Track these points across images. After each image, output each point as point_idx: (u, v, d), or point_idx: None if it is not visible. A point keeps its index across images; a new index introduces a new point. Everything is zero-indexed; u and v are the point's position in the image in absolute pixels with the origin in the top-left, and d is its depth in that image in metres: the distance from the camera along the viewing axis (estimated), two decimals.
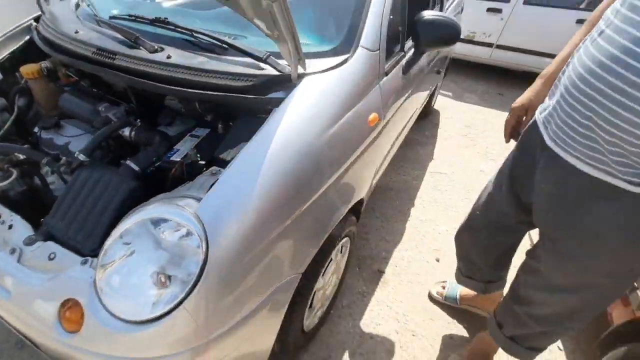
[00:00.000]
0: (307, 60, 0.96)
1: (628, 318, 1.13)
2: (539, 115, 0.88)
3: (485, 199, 1.15)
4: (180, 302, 0.69)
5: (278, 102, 0.87)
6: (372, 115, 1.10)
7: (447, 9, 2.09)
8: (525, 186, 0.94)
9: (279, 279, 0.87)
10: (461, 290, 1.53)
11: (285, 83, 0.90)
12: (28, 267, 0.79)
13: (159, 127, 1.06)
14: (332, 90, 0.94)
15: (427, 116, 3.18)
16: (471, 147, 2.83)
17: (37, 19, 1.29)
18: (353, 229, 1.32)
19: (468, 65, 4.25)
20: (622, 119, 0.63)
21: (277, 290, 0.88)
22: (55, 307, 0.74)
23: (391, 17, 1.27)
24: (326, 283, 1.24)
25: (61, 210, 0.85)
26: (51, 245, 0.81)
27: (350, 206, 1.11)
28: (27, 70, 1.13)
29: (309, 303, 1.12)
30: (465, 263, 1.35)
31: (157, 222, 0.74)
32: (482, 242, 1.22)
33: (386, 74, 1.18)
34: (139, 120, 1.01)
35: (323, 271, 1.12)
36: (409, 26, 1.29)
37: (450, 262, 1.78)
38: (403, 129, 1.80)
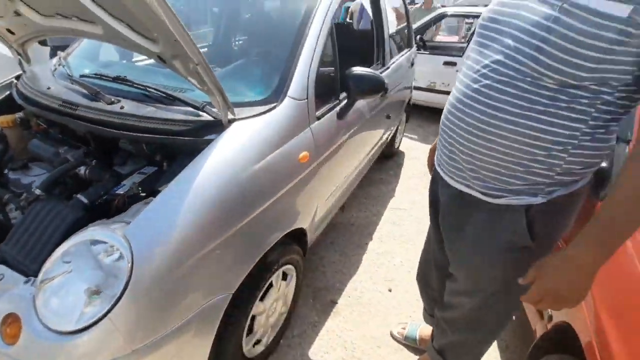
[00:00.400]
0: (241, 108, 1.15)
1: (544, 331, 1.23)
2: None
3: (428, 234, 1.29)
4: (106, 314, 0.80)
5: (211, 142, 1.04)
6: (303, 154, 1.27)
7: (393, 63, 2.37)
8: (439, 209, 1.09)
9: (206, 297, 0.98)
10: (420, 332, 1.57)
11: (218, 127, 1.07)
12: None
13: (114, 167, 1.21)
14: (259, 132, 1.11)
15: (392, 157, 3.40)
16: None
17: (18, 77, 1.48)
18: (297, 258, 1.43)
19: (434, 111, 4.58)
20: (472, 142, 0.81)
21: (206, 309, 0.98)
22: None
23: (331, 74, 1.51)
24: (268, 309, 1.32)
25: (15, 237, 0.97)
26: (1, 268, 0.92)
27: (284, 233, 1.24)
28: (3, 120, 1.30)
29: (247, 327, 1.20)
30: (427, 301, 1.42)
31: (94, 243, 0.87)
32: (435, 278, 1.28)
33: (318, 118, 1.38)
34: (94, 160, 1.16)
35: (260, 295, 1.22)
36: (341, 79, 1.51)
37: (402, 291, 1.88)
38: (355, 168, 1.98)
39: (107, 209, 1.04)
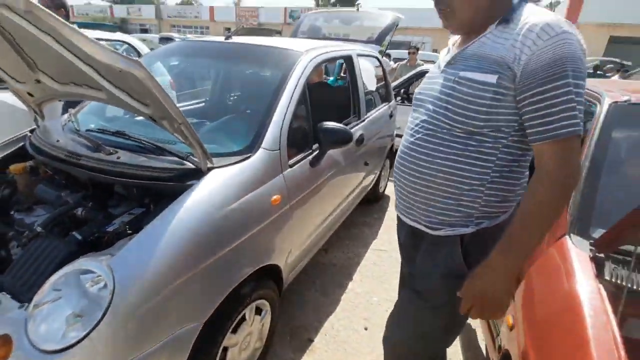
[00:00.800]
0: (220, 158, 1.34)
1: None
2: None
3: (401, 273, 1.41)
4: (86, 336, 0.92)
5: (191, 186, 1.21)
6: (275, 197, 1.44)
7: (370, 116, 2.63)
8: None
9: (178, 325, 1.09)
10: None
11: (199, 174, 1.26)
12: None
13: (108, 208, 1.38)
14: (234, 178, 1.29)
15: (378, 201, 3.57)
16: None
17: (32, 130, 1.70)
18: (271, 293, 1.54)
19: None
20: (415, 183, 1.00)
21: (177, 336, 1.09)
22: None
23: (305, 128, 1.72)
24: (241, 342, 1.41)
25: (14, 269, 1.11)
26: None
27: (256, 268, 1.37)
28: (15, 168, 1.49)
29: (218, 357, 1.28)
30: None
31: (83, 273, 1.01)
32: None
33: (291, 166, 1.57)
34: (91, 203, 1.33)
35: (232, 326, 1.32)
36: (315, 132, 1.73)
37: (378, 330, 1.94)
38: (332, 211, 2.13)
39: (98, 244, 1.19)
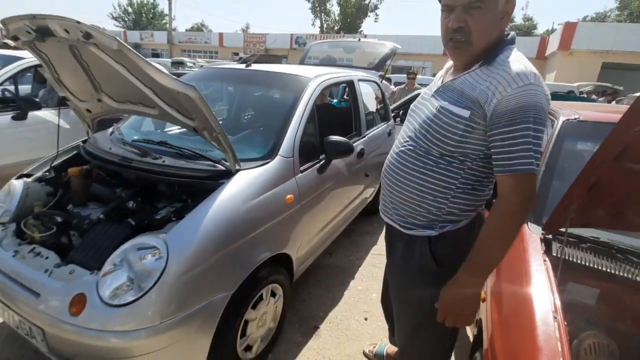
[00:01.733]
0: (243, 162, 1.64)
1: (474, 334, 1.54)
2: None
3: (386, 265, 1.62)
4: (143, 295, 1.19)
5: (222, 184, 1.51)
6: (289, 196, 1.73)
7: (369, 133, 2.95)
8: None
9: (212, 294, 1.36)
10: (388, 349, 1.85)
11: (229, 174, 1.55)
12: (55, 279, 1.30)
13: (153, 202, 1.67)
14: (256, 178, 1.59)
15: (378, 212, 3.82)
16: None
17: (84, 141, 2.02)
18: (283, 280, 1.80)
19: None
20: (393, 189, 1.21)
21: (212, 302, 1.36)
22: (69, 299, 1.22)
23: (314, 140, 2.03)
24: (259, 318, 1.66)
25: (82, 247, 1.40)
26: (72, 266, 1.33)
27: (273, 254, 1.64)
28: (73, 170, 1.80)
29: (240, 329, 1.53)
30: (391, 324, 1.70)
31: (141, 248, 1.29)
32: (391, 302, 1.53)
33: (302, 171, 1.87)
34: (139, 198, 1.63)
35: (252, 302, 1.58)
36: (322, 144, 2.03)
37: (377, 320, 2.18)
38: (336, 213, 2.41)
39: (146, 229, 1.48)
